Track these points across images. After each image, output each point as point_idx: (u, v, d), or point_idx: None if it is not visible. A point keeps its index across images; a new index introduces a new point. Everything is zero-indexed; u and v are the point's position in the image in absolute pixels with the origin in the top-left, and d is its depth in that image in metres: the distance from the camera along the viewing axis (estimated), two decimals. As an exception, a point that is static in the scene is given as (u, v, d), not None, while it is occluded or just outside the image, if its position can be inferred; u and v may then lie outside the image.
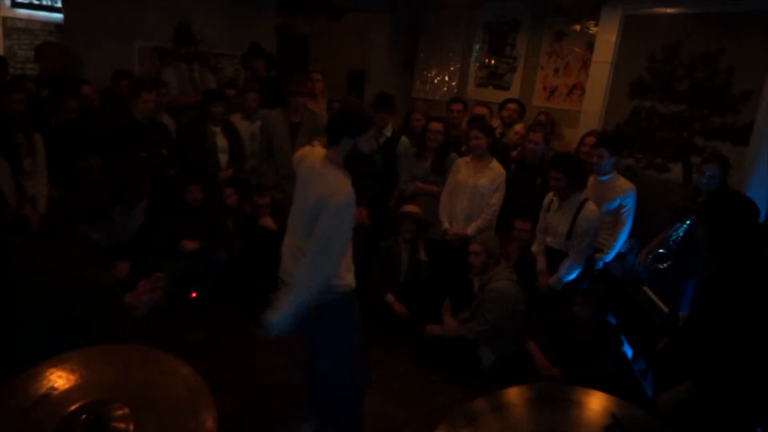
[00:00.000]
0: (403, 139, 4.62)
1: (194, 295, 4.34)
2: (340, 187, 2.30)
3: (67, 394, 1.03)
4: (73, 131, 3.94)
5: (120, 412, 1.02)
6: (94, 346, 1.12)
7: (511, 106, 5.16)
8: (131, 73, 4.79)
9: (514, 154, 4.62)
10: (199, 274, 4.33)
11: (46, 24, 7.79)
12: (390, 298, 4.14)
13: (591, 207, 3.54)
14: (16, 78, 4.40)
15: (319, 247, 2.28)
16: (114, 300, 1.37)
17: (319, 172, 2.38)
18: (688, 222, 3.51)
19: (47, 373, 1.05)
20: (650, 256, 3.85)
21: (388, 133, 4.61)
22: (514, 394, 1.44)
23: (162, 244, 4.10)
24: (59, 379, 1.05)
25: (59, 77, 4.44)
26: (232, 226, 4.57)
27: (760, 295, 1.88)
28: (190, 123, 4.53)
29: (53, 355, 1.05)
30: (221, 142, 4.50)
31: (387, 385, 3.53)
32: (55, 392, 1.03)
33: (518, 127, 4.95)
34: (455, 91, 6.62)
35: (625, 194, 3.89)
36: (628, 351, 3.56)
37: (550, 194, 3.73)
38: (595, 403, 1.31)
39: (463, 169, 4.07)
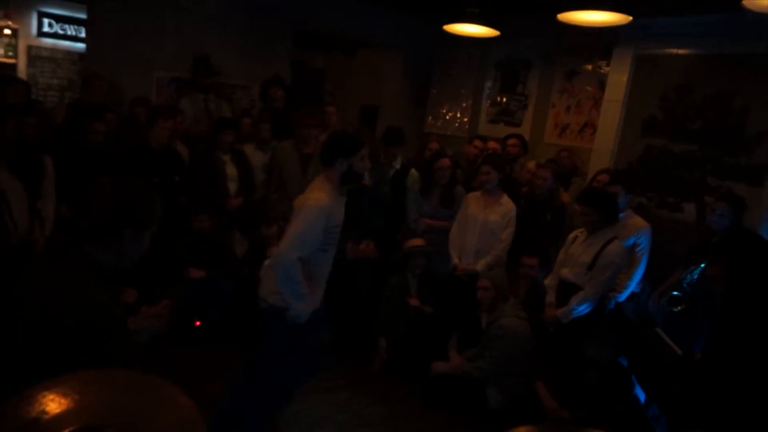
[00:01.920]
0: (413, 171, 4.63)
1: (198, 323, 4.30)
2: (315, 194, 2.57)
3: (58, 419, 1.00)
4: (94, 153, 4.00)
5: (110, 439, 0.99)
6: (90, 370, 1.09)
7: (513, 141, 5.15)
8: (149, 100, 4.88)
9: (524, 190, 4.60)
10: (205, 303, 4.30)
11: (69, 53, 8.05)
12: (382, 342, 4.09)
13: (618, 244, 3.49)
14: (30, 102, 4.50)
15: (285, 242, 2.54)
16: (117, 324, 1.34)
17: (309, 188, 2.65)
18: (702, 265, 3.45)
19: (39, 397, 1.01)
20: (664, 299, 3.78)
21: (397, 165, 4.63)
22: None
23: (168, 271, 4.09)
24: (51, 403, 1.02)
25: (99, 107, 4.53)
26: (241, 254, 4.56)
27: None
28: (200, 151, 4.58)
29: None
30: (230, 170, 4.53)
31: (391, 423, 3.45)
32: (46, 416, 0.99)
33: (530, 164, 4.94)
34: (467, 127, 6.67)
35: (639, 232, 3.84)
36: (641, 395, 3.44)
37: (576, 231, 3.69)
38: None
39: (473, 204, 4.06)
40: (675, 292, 3.58)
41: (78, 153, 3.93)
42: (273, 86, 5.08)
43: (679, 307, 3.57)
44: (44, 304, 1.33)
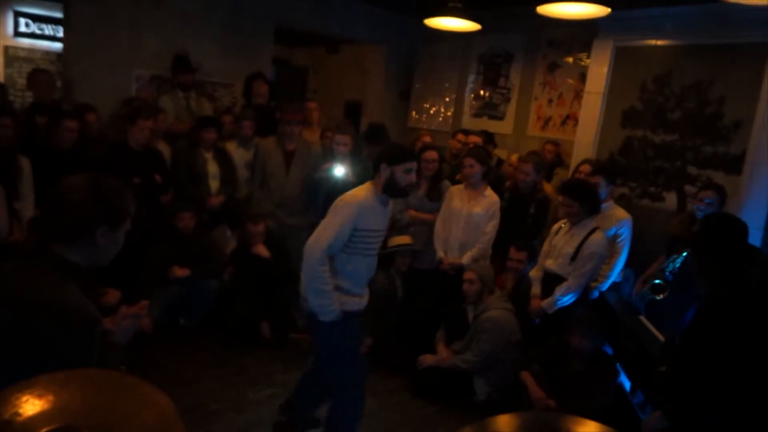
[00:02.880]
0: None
1: (183, 323, 4.27)
2: (353, 192, 2.65)
3: (32, 421, 0.98)
4: (69, 154, 3.93)
5: (85, 441, 0.97)
6: (66, 371, 1.08)
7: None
8: (143, 99, 4.83)
9: (507, 184, 4.62)
10: (190, 303, 4.27)
11: (47, 53, 7.91)
12: (368, 341, 4.09)
13: (601, 234, 3.51)
14: (4, 104, 4.43)
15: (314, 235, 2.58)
16: (89, 325, 1.31)
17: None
18: (684, 254, 3.50)
19: (12, 398, 1.00)
20: (646, 287, 3.83)
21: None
22: (503, 422, 1.40)
23: (153, 271, 4.05)
24: (25, 405, 1.00)
25: (53, 104, 4.46)
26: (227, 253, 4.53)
27: (745, 323, 1.82)
28: (182, 149, 4.53)
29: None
30: (212, 168, 4.48)
31: (380, 416, 3.45)
32: (20, 418, 0.98)
33: (513, 158, 4.97)
34: (451, 121, 6.68)
35: (620, 223, 3.88)
36: (627, 383, 3.49)
37: (560, 222, 3.71)
38: (588, 432, 1.26)
39: (456, 198, 4.06)
40: (657, 281, 3.63)
41: (52, 153, 3.87)
42: (256, 81, 5.04)
43: (661, 296, 3.62)
44: (12, 306, 1.30)
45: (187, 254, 4.18)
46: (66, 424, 0.99)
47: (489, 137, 5.30)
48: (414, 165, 2.64)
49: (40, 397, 1.01)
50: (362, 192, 2.62)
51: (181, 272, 4.13)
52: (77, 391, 1.07)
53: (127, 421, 1.19)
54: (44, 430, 0.96)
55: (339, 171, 4.17)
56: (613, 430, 1.21)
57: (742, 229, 1.97)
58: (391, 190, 2.62)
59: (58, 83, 5.08)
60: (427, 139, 4.95)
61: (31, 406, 0.98)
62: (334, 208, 2.58)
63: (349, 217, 2.53)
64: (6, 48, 7.62)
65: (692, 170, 4.30)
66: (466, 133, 5.30)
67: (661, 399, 2.19)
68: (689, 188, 4.18)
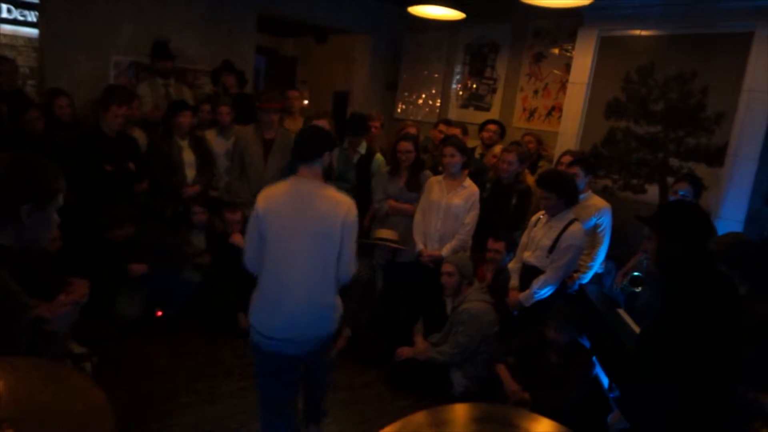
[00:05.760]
0: (378, 156, 4.57)
1: (160, 314, 4.21)
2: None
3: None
4: (39, 142, 3.85)
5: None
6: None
7: (491, 127, 5.16)
8: (120, 86, 4.74)
9: (489, 174, 4.57)
10: (169, 294, 4.20)
11: (30, 40, 7.77)
12: (347, 332, 4.07)
13: (578, 226, 3.47)
14: None
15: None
16: (13, 310, 1.25)
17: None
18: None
19: None
20: (626, 280, 3.80)
21: (362, 150, 4.56)
22: (458, 411, 1.37)
23: (112, 265, 3.92)
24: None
25: (16, 93, 4.36)
26: (203, 243, 4.46)
27: (698, 318, 1.77)
28: (156, 137, 4.44)
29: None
30: (188, 156, 4.39)
31: (355, 408, 3.42)
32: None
33: (496, 149, 4.92)
34: (437, 112, 6.62)
35: (600, 213, 3.85)
36: (604, 377, 3.46)
37: (539, 213, 3.66)
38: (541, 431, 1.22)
39: (435, 189, 4.00)
40: (636, 273, 3.60)
41: (21, 140, 3.79)
42: (223, 73, 4.99)
43: (639, 288, 3.59)
44: None
45: (147, 250, 4.00)
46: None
47: (502, 129, 5.24)
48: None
49: (-45, 385, 0.95)
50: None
51: (137, 268, 3.97)
52: (1, 380, 1.01)
53: (54, 412, 1.14)
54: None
55: None
56: (568, 430, 1.16)
57: (706, 221, 1.92)
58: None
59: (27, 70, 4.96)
60: (412, 130, 4.89)
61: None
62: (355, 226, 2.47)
63: None
64: (-13, 34, 7.48)
65: (674, 162, 4.26)
66: (449, 123, 5.24)
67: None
68: (671, 180, 4.14)
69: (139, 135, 4.45)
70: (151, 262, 3.99)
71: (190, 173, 4.40)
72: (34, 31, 7.65)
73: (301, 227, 2.36)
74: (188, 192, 4.36)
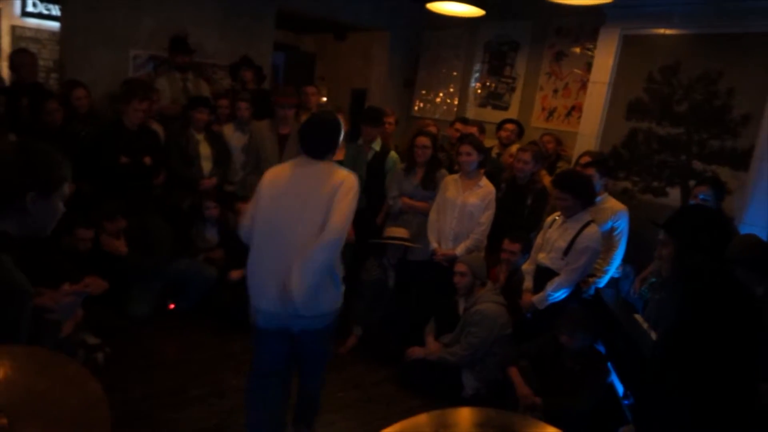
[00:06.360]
0: (392, 153, 4.54)
1: (172, 306, 4.23)
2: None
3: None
4: (57, 132, 3.88)
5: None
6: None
7: (509, 126, 5.09)
8: (141, 80, 4.77)
9: (505, 174, 4.50)
10: (186, 287, 4.22)
11: (54, 34, 7.89)
12: (357, 330, 4.09)
13: (595, 228, 3.39)
14: None
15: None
16: (15, 297, 1.24)
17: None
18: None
19: None
20: (645, 285, 3.71)
21: (376, 147, 4.53)
22: (462, 415, 1.35)
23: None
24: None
25: (35, 85, 4.39)
26: (216, 237, 4.47)
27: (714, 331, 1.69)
28: (174, 130, 4.47)
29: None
30: (204, 149, 4.42)
31: (363, 407, 3.40)
32: None
33: (513, 149, 4.84)
34: (455, 110, 6.55)
35: (616, 216, 3.76)
36: (619, 385, 3.37)
37: (554, 214, 3.59)
38: (543, 442, 1.18)
39: (451, 187, 3.95)
40: (654, 279, 3.51)
41: (40, 132, 3.82)
42: (241, 69, 5.00)
43: (659, 294, 3.50)
44: None
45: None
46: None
47: (520, 128, 5.18)
48: None
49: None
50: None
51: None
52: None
53: (49, 401, 1.13)
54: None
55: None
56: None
57: (727, 229, 1.85)
58: None
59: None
60: (433, 129, 4.84)
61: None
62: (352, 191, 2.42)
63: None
64: (13, 28, 7.62)
65: (698, 165, 4.14)
66: (465, 122, 5.18)
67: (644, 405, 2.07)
68: (693, 184, 4.03)
69: (158, 128, 4.48)
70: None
71: (207, 166, 4.43)
72: (57, 25, 7.80)
73: (292, 204, 2.40)
74: (205, 184, 4.38)
